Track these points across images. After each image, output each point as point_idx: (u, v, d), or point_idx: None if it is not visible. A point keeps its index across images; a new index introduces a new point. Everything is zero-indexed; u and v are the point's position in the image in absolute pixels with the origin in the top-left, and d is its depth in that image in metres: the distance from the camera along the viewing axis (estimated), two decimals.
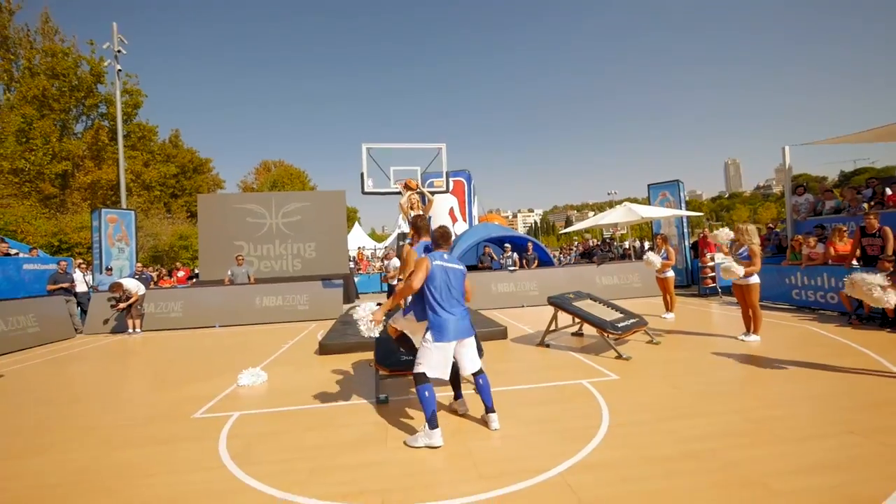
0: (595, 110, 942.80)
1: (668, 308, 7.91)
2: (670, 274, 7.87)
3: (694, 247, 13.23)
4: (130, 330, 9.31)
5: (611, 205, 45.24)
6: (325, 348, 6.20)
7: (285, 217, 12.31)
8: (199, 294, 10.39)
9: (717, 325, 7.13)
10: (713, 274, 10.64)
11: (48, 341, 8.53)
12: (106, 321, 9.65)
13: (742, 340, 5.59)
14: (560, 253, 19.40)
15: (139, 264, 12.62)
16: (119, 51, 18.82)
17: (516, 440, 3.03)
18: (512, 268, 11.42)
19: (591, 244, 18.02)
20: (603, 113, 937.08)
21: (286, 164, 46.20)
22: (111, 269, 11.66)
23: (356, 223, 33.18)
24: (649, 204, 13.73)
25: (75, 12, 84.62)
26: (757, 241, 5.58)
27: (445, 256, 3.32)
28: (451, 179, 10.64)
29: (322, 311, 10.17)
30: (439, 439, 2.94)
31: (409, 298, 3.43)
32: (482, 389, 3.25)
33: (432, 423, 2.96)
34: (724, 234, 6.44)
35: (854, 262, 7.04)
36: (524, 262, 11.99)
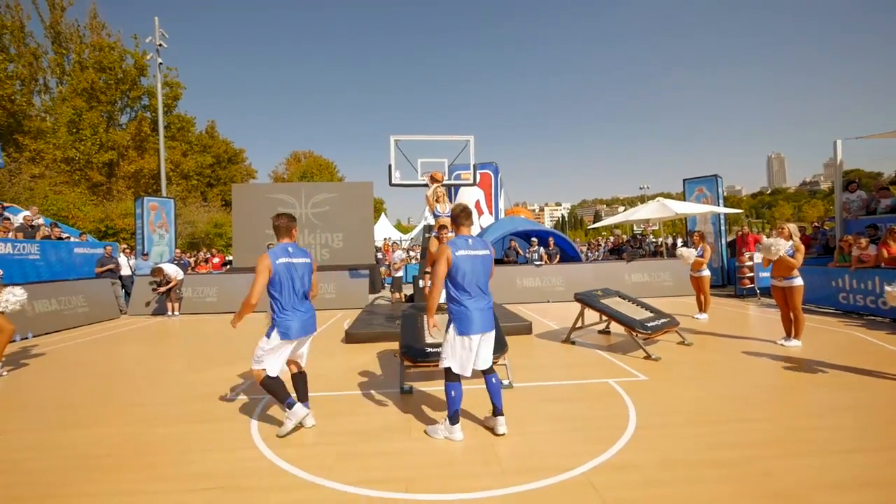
0: (628, 103, 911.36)
1: (702, 309, 7.62)
2: (705, 273, 7.57)
3: (731, 245, 12.68)
4: (170, 312, 9.83)
5: (643, 200, 43.81)
6: (350, 337, 6.35)
7: (314, 207, 12.55)
8: (233, 280, 10.81)
9: (754, 328, 6.83)
10: (751, 274, 10.18)
11: (96, 321, 9.10)
12: (147, 303, 10.20)
13: (782, 345, 5.33)
14: (588, 248, 18.98)
15: (178, 250, 13.27)
16: (160, 45, 19.64)
17: (540, 437, 3.02)
18: (538, 262, 11.28)
19: (620, 239, 17.52)
20: (637, 105, 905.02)
21: (315, 155, 47.13)
22: (147, 255, 12.29)
23: (382, 214, 33.53)
24: (684, 199, 13.20)
25: (121, 7, 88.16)
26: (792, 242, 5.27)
27: (470, 241, 3.02)
28: (478, 172, 10.54)
29: (348, 301, 10.40)
30: (459, 434, 2.97)
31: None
32: (493, 389, 3.08)
33: (453, 420, 2.98)
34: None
35: None
36: (547, 256, 11.81)
